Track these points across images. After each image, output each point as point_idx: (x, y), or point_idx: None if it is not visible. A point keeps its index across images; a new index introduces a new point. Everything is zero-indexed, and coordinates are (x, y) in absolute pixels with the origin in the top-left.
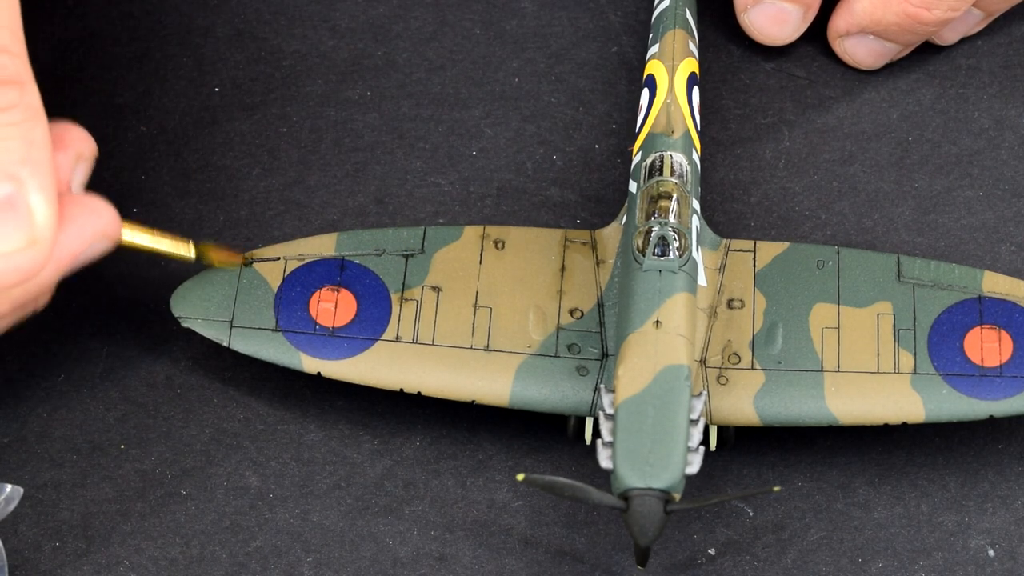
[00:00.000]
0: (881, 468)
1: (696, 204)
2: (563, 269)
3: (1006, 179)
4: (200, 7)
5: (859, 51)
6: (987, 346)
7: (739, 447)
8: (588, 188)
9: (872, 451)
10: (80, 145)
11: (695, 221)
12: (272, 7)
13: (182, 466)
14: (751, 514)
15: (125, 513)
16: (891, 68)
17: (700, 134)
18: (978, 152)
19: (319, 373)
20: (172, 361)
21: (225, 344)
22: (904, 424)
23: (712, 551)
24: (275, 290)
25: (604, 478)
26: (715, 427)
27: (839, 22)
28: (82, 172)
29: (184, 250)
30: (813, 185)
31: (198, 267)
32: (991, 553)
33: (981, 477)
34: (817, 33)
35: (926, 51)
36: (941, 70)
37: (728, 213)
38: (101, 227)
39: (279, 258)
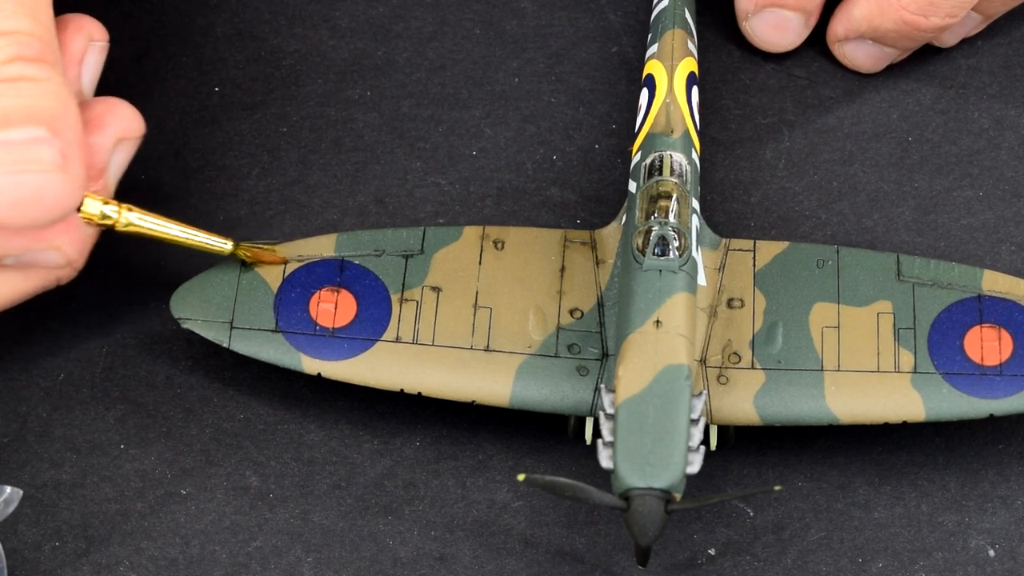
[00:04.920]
0: (881, 468)
1: (696, 204)
2: (563, 269)
3: (1006, 179)
4: (200, 7)
5: (858, 56)
6: (987, 345)
7: (739, 447)
8: (588, 188)
9: (872, 451)
10: (124, 124)
11: (695, 221)
12: (272, 7)
13: (182, 466)
14: (751, 514)
15: (125, 513)
16: (891, 68)
17: (700, 134)
18: (978, 152)
19: (319, 374)
20: (172, 361)
21: (225, 345)
22: (904, 423)
23: (712, 551)
24: (275, 291)
25: (604, 478)
26: (715, 427)
27: (837, 27)
28: (124, 154)
29: (221, 243)
30: (813, 185)
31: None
32: (991, 553)
33: (981, 477)
34: (817, 34)
35: (926, 51)
36: (941, 70)
37: (728, 213)
38: (124, 128)
39: None
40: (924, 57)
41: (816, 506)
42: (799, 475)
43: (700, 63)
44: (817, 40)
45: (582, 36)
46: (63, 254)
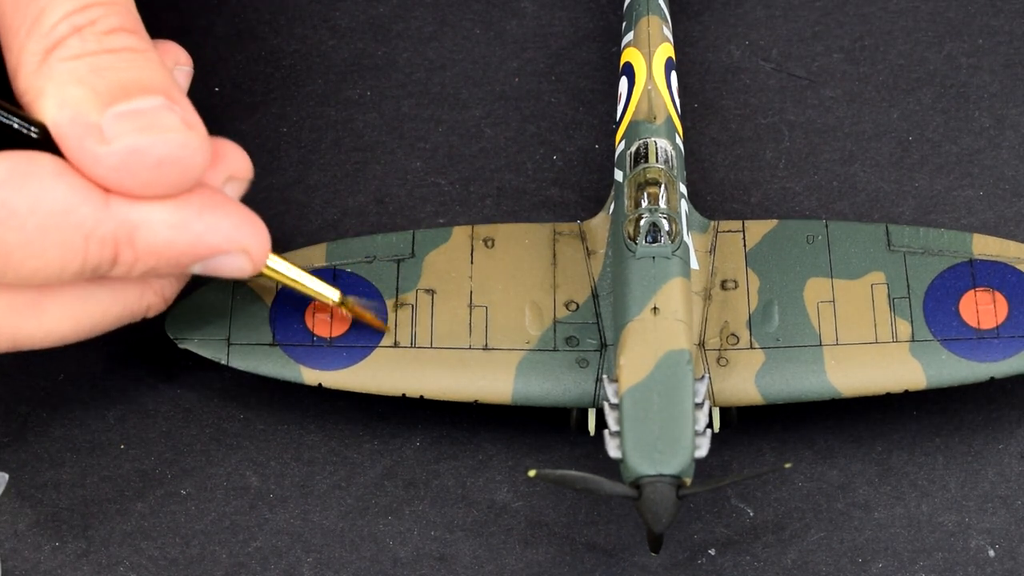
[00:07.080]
0: (881, 468)
1: (683, 188)
2: (555, 263)
3: (1007, 179)
4: (200, 7)
5: None
6: (982, 308)
7: (739, 447)
8: (588, 188)
9: (872, 451)
10: (234, 164)
11: (683, 205)
12: (272, 7)
13: (182, 466)
14: (751, 514)
15: (125, 513)
16: (891, 68)
17: (682, 119)
18: (979, 151)
19: (320, 384)
20: (172, 361)
21: (224, 362)
22: (906, 392)
23: (712, 551)
24: (269, 304)
25: (607, 474)
26: (717, 408)
27: None
28: (233, 192)
29: (330, 292)
30: (813, 185)
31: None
32: (991, 553)
33: (981, 477)
34: (817, 32)
35: (926, 50)
36: (941, 70)
37: (728, 213)
38: (235, 167)
39: None
40: (924, 56)
41: (816, 506)
42: (799, 475)
43: (700, 63)
44: (817, 38)
45: (582, 36)
46: (251, 260)
